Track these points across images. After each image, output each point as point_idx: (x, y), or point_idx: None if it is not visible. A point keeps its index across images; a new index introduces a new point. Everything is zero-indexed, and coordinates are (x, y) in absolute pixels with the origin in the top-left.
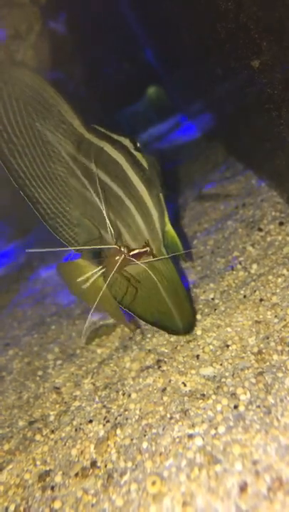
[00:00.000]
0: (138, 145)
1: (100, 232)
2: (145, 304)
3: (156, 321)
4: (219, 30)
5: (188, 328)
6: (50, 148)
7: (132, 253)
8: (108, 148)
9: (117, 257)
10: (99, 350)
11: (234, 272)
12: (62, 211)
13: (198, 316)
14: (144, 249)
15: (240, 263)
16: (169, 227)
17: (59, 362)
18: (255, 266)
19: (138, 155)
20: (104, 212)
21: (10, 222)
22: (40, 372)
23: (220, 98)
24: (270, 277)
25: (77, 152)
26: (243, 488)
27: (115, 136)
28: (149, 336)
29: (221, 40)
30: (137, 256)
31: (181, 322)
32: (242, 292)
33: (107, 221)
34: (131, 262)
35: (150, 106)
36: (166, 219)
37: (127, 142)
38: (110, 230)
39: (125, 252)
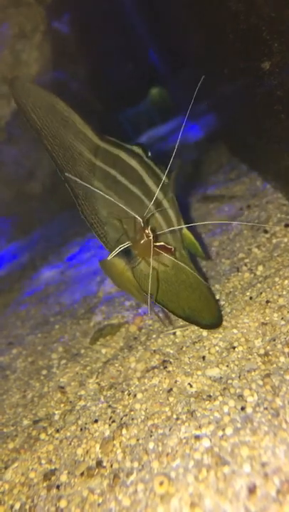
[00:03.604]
0: (149, 154)
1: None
2: (175, 299)
3: (188, 317)
4: (228, 31)
5: (218, 322)
6: (74, 152)
7: (157, 244)
8: (123, 155)
9: (145, 242)
10: (104, 350)
11: (240, 274)
12: (92, 210)
13: None
14: (170, 247)
15: (245, 265)
16: (184, 229)
17: (63, 361)
18: (261, 268)
19: (150, 162)
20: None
21: (12, 220)
22: (44, 372)
23: (226, 99)
24: (277, 279)
25: (94, 159)
26: (251, 490)
27: (128, 146)
28: (154, 336)
29: (231, 41)
30: (161, 248)
31: (212, 317)
32: (248, 294)
33: (150, 205)
34: (157, 248)
35: (153, 106)
36: (182, 222)
37: (139, 151)
38: (142, 217)
39: (151, 235)
